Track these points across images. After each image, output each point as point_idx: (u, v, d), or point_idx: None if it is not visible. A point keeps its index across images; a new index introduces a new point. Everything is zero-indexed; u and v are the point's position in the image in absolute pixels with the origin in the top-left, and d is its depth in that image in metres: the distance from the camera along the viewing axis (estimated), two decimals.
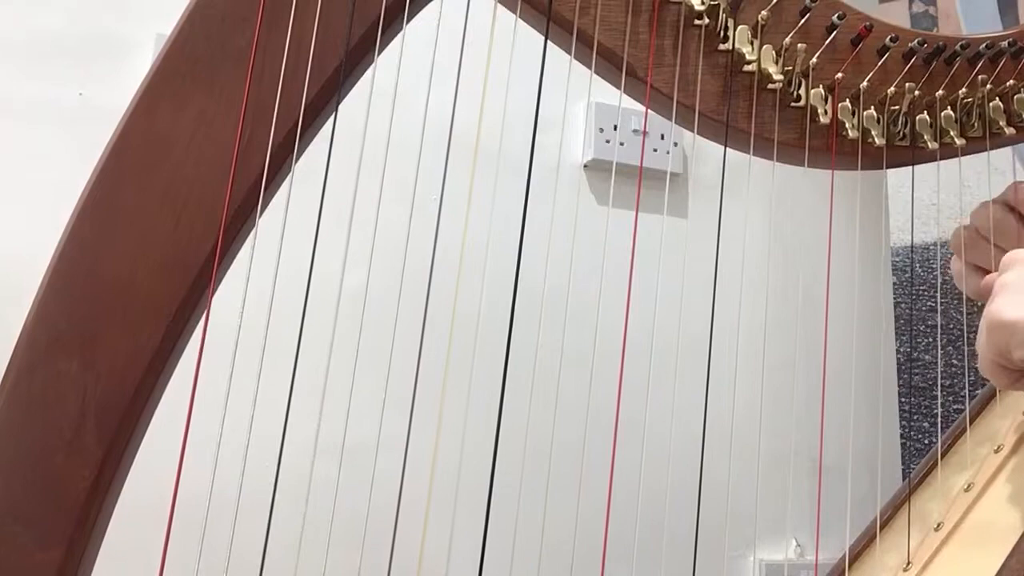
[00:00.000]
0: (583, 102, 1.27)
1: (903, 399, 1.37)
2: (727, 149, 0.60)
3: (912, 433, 1.34)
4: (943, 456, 0.68)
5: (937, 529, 0.63)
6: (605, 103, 1.26)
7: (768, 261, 1.15)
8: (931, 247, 1.37)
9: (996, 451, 0.66)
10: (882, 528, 0.65)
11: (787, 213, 1.38)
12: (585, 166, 1.28)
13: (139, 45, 1.05)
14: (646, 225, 1.03)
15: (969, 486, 0.65)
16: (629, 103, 0.59)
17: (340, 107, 0.52)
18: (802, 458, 0.67)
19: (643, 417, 0.70)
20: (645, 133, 1.26)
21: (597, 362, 0.68)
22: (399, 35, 0.54)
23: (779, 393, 1.11)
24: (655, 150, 1.30)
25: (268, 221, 0.52)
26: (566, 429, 0.66)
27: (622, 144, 1.26)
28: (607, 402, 0.63)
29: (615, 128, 1.27)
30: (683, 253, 0.95)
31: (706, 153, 1.32)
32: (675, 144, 1.31)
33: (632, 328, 0.59)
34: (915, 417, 1.34)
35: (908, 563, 0.62)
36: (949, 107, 0.65)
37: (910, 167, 0.66)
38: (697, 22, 0.59)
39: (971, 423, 0.70)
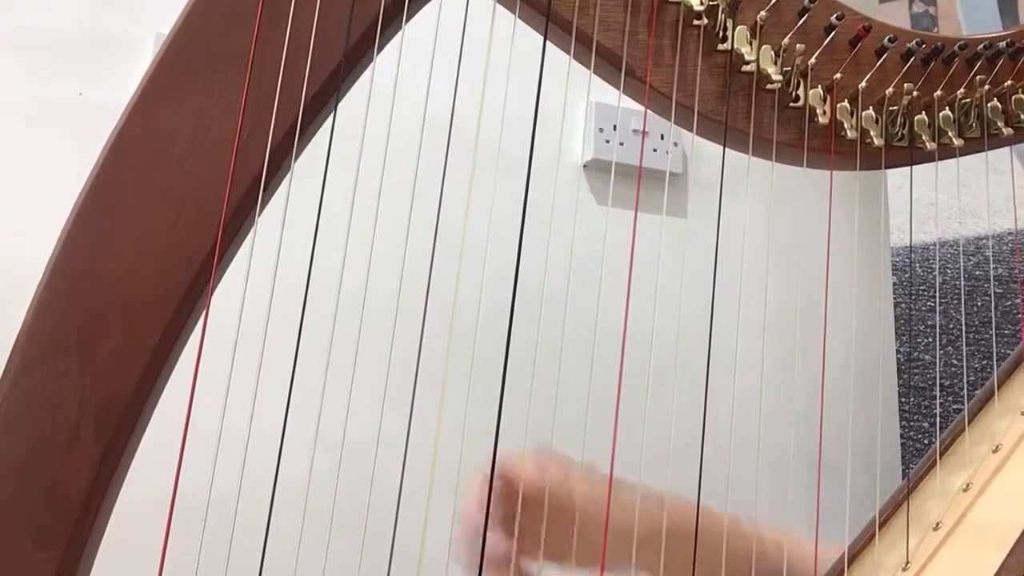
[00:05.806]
0: (583, 102, 1.27)
1: (903, 399, 1.37)
2: (726, 149, 0.60)
3: (912, 433, 1.34)
4: (942, 456, 0.68)
5: (936, 529, 0.63)
6: (605, 103, 1.26)
7: (767, 261, 1.15)
8: (931, 247, 1.37)
9: (994, 451, 0.67)
10: (881, 527, 0.65)
11: (786, 213, 1.38)
12: (585, 166, 1.28)
13: (139, 45, 1.06)
14: (646, 225, 1.03)
15: (967, 486, 0.65)
16: (629, 103, 0.59)
17: (339, 106, 0.52)
18: (801, 458, 0.68)
19: (642, 417, 0.69)
20: (644, 133, 1.27)
21: (596, 361, 0.68)
22: (398, 34, 0.54)
23: (778, 393, 1.11)
24: (655, 150, 1.30)
25: (267, 220, 0.52)
26: (565, 427, 0.66)
27: (622, 144, 1.26)
28: (606, 401, 0.63)
29: (615, 128, 1.27)
30: (683, 253, 0.95)
31: (706, 153, 1.32)
32: (675, 144, 1.31)
33: (631, 327, 0.60)
34: (915, 417, 1.34)
35: (907, 563, 0.62)
36: (947, 107, 0.65)
37: (909, 167, 0.66)
38: (696, 22, 0.59)
39: (969, 423, 0.70)
